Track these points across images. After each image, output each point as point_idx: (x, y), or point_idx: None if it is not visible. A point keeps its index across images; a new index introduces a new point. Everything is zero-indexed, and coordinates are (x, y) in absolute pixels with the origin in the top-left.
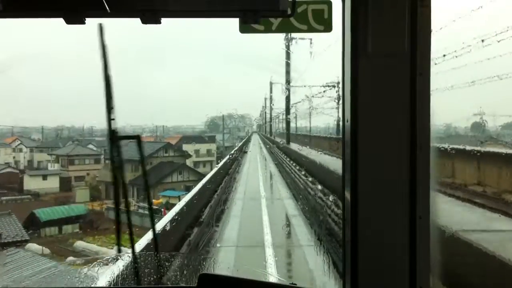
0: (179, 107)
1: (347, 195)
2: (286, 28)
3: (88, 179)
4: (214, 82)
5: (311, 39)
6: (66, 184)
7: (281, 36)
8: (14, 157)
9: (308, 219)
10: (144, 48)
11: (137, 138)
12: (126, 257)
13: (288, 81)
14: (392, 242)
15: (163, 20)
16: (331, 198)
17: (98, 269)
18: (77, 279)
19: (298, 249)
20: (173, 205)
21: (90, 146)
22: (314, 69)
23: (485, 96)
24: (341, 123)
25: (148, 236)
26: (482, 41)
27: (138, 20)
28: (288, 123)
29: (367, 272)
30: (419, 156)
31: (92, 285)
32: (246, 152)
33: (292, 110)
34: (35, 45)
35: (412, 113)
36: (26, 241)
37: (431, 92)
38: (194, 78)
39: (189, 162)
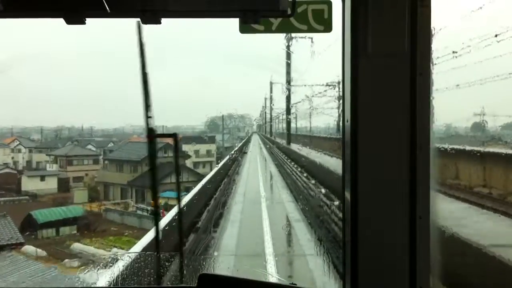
0: (179, 107)
1: (347, 195)
2: (286, 28)
3: (86, 180)
4: (214, 82)
5: (312, 38)
6: (64, 185)
7: (281, 35)
8: (12, 158)
9: (311, 225)
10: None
11: (174, 136)
12: (126, 257)
13: (288, 81)
14: (392, 242)
15: (163, 20)
16: (336, 203)
17: (91, 274)
18: (77, 279)
19: (301, 259)
20: (172, 206)
21: (89, 146)
22: (315, 68)
23: (486, 96)
24: (341, 123)
25: (148, 236)
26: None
27: (138, 20)
28: (288, 123)
29: (367, 272)
30: (419, 156)
31: (92, 285)
32: (246, 153)
33: (292, 110)
34: (35, 45)
35: (412, 113)
36: (22, 244)
37: (435, 92)
38: (194, 78)
39: (188, 163)
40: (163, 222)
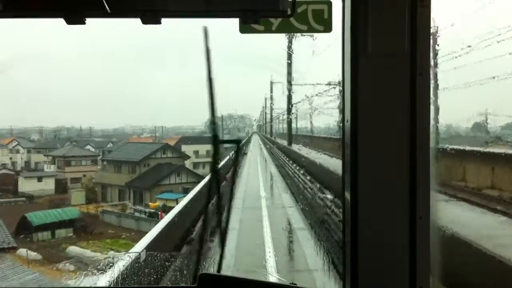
0: (179, 108)
1: (347, 195)
2: (286, 28)
3: (84, 181)
4: (214, 82)
5: (313, 35)
6: (61, 186)
7: (281, 35)
8: (11, 158)
9: (316, 234)
10: (144, 48)
11: (237, 142)
12: (126, 257)
13: (289, 81)
14: (392, 242)
15: (163, 20)
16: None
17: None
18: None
19: (307, 275)
20: (171, 208)
21: (88, 147)
22: (316, 67)
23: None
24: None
25: (148, 236)
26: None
27: (138, 20)
28: (289, 123)
29: (367, 272)
30: (419, 156)
31: (92, 285)
32: (246, 154)
33: (293, 110)
34: (35, 45)
35: (412, 113)
36: (14, 248)
37: (439, 91)
38: (194, 78)
39: (188, 163)
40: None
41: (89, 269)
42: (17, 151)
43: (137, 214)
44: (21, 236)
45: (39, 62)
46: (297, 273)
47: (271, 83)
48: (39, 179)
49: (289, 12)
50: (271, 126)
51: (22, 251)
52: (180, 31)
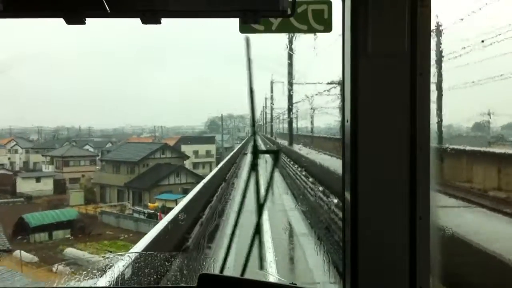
0: (179, 108)
1: (347, 195)
2: (286, 28)
3: (83, 181)
4: (214, 82)
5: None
6: (60, 186)
7: (282, 34)
8: (9, 158)
9: (321, 241)
10: (144, 48)
11: (276, 153)
12: (126, 257)
13: (290, 82)
14: (392, 242)
15: (163, 20)
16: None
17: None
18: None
19: None
20: (170, 209)
21: (87, 147)
22: (318, 66)
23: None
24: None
25: (148, 236)
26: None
27: (138, 20)
28: (290, 123)
29: (367, 272)
30: (419, 156)
31: (92, 285)
32: (245, 154)
33: (293, 110)
34: (35, 45)
35: (412, 113)
36: (9, 251)
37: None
38: (194, 78)
39: (188, 164)
40: (160, 225)
41: (88, 269)
42: (16, 151)
43: (136, 215)
44: (18, 238)
45: (39, 62)
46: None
47: (271, 82)
48: (38, 179)
49: (289, 12)
50: (272, 126)
51: (18, 254)
52: (180, 31)
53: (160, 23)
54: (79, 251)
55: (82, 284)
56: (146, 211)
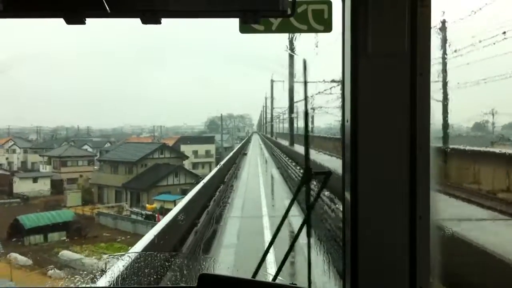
0: (178, 108)
1: (347, 195)
2: (286, 28)
3: (80, 182)
4: (214, 82)
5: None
6: (57, 187)
7: (282, 34)
8: (7, 158)
9: (326, 249)
10: (144, 48)
11: (328, 174)
12: (126, 257)
13: (290, 79)
14: (392, 242)
15: (163, 20)
16: None
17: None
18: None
19: None
20: (168, 210)
21: (85, 147)
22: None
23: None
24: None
25: (144, 239)
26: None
27: (138, 20)
28: (291, 122)
29: (367, 272)
30: (419, 156)
31: (92, 285)
32: (245, 154)
33: (294, 110)
34: (35, 45)
35: (412, 113)
36: (3, 254)
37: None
38: (194, 78)
39: (187, 164)
40: (158, 227)
41: (82, 273)
42: (14, 151)
43: (133, 216)
44: (13, 240)
45: (39, 62)
46: None
47: (272, 81)
48: (35, 179)
49: (289, 12)
50: (272, 125)
51: (12, 256)
52: (180, 31)
53: (160, 23)
54: (74, 253)
55: (87, 280)
56: (144, 212)
